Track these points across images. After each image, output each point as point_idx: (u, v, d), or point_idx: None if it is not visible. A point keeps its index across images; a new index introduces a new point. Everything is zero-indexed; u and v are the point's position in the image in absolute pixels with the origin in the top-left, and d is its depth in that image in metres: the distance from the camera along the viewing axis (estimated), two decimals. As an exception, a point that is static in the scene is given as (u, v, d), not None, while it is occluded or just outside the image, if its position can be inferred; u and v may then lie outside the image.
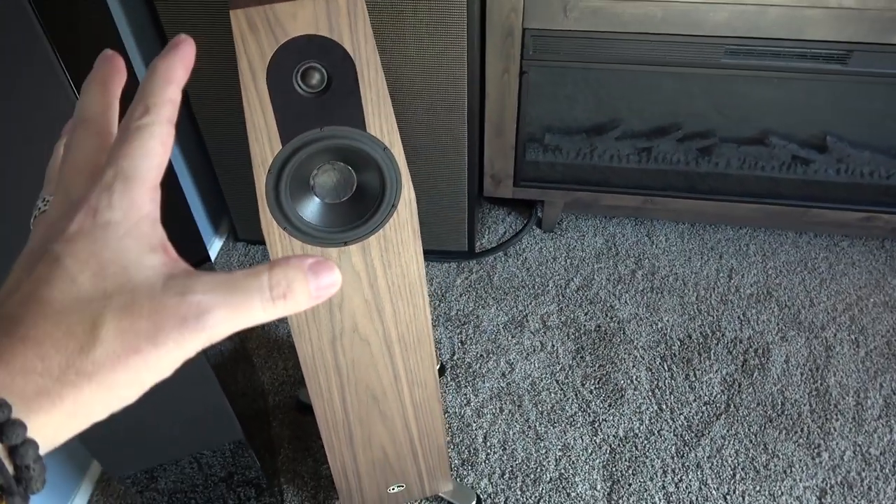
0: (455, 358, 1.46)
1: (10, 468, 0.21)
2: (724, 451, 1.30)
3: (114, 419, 0.28)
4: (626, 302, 1.56)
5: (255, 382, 1.43)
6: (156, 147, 0.26)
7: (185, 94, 1.36)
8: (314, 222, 0.82)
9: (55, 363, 0.22)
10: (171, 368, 0.25)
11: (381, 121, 0.77)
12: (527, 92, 1.41)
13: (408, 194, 0.83)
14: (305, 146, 0.75)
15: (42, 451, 0.22)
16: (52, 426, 0.22)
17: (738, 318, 1.52)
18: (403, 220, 0.85)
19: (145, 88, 0.27)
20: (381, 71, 0.74)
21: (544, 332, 1.50)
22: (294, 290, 0.26)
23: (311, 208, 0.82)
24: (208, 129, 1.42)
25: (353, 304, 0.90)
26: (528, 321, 1.52)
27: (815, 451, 1.30)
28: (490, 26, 1.28)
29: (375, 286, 0.90)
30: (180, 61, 0.28)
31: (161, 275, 0.25)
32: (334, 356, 0.94)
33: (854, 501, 1.23)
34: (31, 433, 0.22)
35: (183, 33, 0.29)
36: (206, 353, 1.06)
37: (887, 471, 1.26)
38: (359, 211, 0.83)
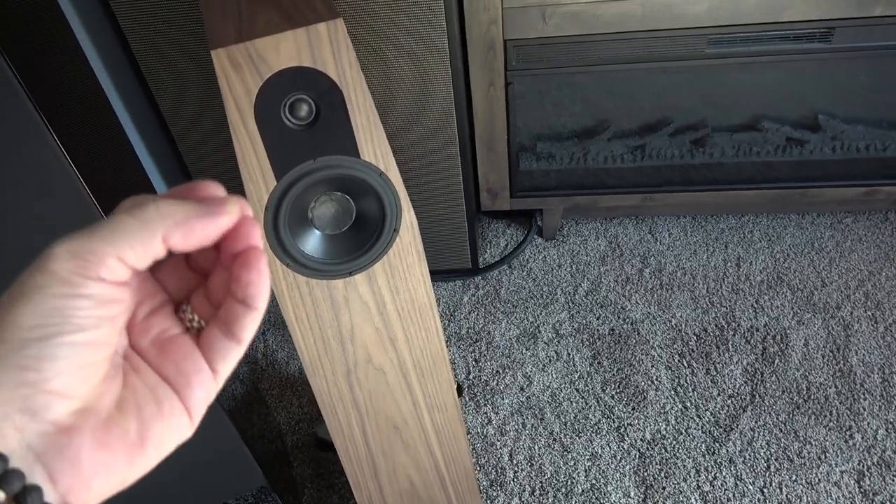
0: (471, 377, 1.43)
1: None
2: (755, 444, 1.27)
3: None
4: (636, 302, 1.54)
5: (272, 423, 1.41)
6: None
7: (170, 135, 1.35)
8: (316, 255, 0.81)
9: None
10: None
11: (374, 146, 0.76)
12: (514, 103, 1.40)
13: (409, 217, 0.82)
14: (300, 179, 0.74)
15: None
16: None
17: (752, 306, 1.50)
18: (407, 244, 0.84)
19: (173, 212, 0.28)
20: (369, 95, 0.73)
21: (558, 342, 1.48)
22: None
23: (311, 242, 0.80)
24: (196, 168, 1.41)
25: (365, 334, 0.88)
26: (540, 332, 1.50)
27: (847, 433, 1.27)
28: (471, 42, 1.28)
29: (385, 314, 0.88)
30: (205, 231, 0.28)
31: None
32: (350, 390, 0.92)
33: (894, 480, 1.20)
34: None
35: (236, 203, 0.29)
36: (219, 400, 1.04)
37: (923, 446, 1.24)
38: (361, 239, 0.82)
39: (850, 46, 1.26)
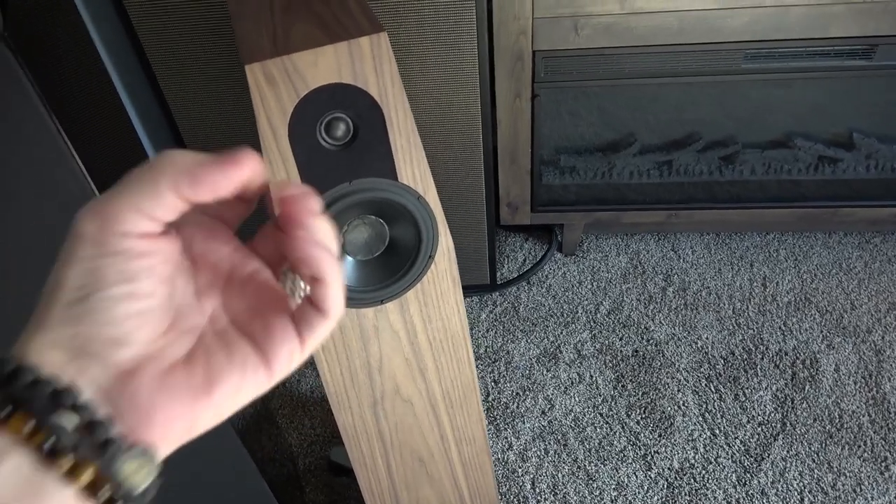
0: (490, 399, 1.38)
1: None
2: (787, 475, 1.22)
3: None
4: (660, 322, 1.49)
5: (283, 445, 1.35)
6: None
7: (183, 143, 1.30)
8: (347, 283, 0.75)
9: None
10: None
11: (413, 168, 0.71)
12: (539, 115, 1.35)
13: (446, 243, 0.77)
14: (334, 203, 0.69)
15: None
16: None
17: (780, 328, 1.45)
18: (442, 271, 0.79)
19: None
20: (410, 114, 0.68)
21: (580, 363, 1.43)
22: None
23: (342, 268, 0.75)
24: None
25: (394, 364, 0.83)
26: (561, 352, 1.45)
27: (883, 464, 1.22)
28: (499, 52, 1.23)
29: (416, 343, 0.83)
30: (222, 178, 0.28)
31: None
32: (376, 422, 0.87)
33: (933, 517, 1.15)
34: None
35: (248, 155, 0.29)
36: (230, 420, 0.99)
37: (963, 480, 1.19)
38: (394, 266, 0.77)
39: (892, 64, 1.22)
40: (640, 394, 1.36)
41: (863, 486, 1.20)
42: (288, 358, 0.30)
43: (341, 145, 0.67)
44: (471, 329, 1.51)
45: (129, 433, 0.25)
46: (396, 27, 1.11)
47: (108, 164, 1.17)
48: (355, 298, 0.76)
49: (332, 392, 0.82)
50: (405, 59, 1.14)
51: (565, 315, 1.52)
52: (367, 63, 0.63)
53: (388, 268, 0.77)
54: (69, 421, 0.24)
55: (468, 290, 1.57)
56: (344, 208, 0.70)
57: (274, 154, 0.65)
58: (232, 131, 1.26)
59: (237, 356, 0.29)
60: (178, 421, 0.27)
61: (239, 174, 0.28)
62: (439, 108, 1.21)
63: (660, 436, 1.29)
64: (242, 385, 0.29)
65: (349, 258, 0.75)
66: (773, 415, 1.31)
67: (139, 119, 1.30)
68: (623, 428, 1.31)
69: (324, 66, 0.62)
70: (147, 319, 0.27)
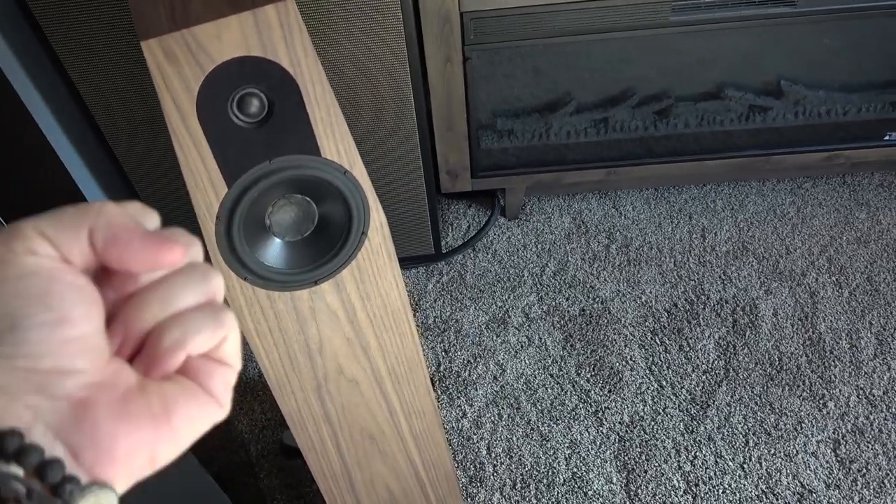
0: (442, 369, 1.38)
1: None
2: (732, 419, 1.26)
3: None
4: (605, 280, 1.50)
5: (233, 432, 1.32)
6: None
7: (103, 135, 1.23)
8: (277, 266, 0.72)
9: None
10: None
11: (335, 141, 0.68)
12: (472, 79, 1.32)
13: (378, 217, 0.75)
14: (255, 184, 0.66)
15: None
16: None
17: (720, 277, 1.49)
18: (376, 246, 0.77)
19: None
20: (328, 86, 0.65)
21: (529, 326, 1.43)
22: None
23: (271, 251, 0.72)
24: (133, 169, 1.29)
25: (335, 345, 0.81)
26: (509, 317, 1.45)
27: (821, 402, 1.27)
28: (425, 15, 1.19)
29: (356, 322, 0.81)
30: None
31: None
32: (322, 405, 0.85)
33: (868, 447, 1.21)
34: None
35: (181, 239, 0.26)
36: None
37: (894, 410, 1.25)
38: (325, 244, 0.74)
39: (814, 10, 1.23)
40: (589, 352, 1.38)
41: (803, 424, 1.25)
42: (225, 386, 0.28)
43: (256, 122, 0.63)
44: (418, 300, 1.50)
45: (87, 470, 0.23)
46: (316, -7, 1.06)
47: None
48: (288, 281, 0.74)
49: (273, 378, 0.80)
50: (327, 27, 1.10)
51: (512, 279, 1.52)
52: (275, 33, 0.59)
53: (320, 247, 0.74)
54: (15, 467, 0.22)
55: (413, 260, 1.55)
56: (266, 188, 0.67)
57: (184, 137, 0.61)
58: (153, 114, 1.19)
59: (186, 384, 0.27)
60: (140, 452, 0.25)
61: (166, 258, 0.26)
62: (367, 77, 1.17)
63: (609, 392, 1.32)
64: (199, 413, 0.27)
65: (277, 240, 0.72)
66: (716, 362, 1.34)
67: (55, 120, 1.22)
68: (574, 387, 1.33)
69: (228, 38, 0.58)
70: (88, 345, 0.25)
